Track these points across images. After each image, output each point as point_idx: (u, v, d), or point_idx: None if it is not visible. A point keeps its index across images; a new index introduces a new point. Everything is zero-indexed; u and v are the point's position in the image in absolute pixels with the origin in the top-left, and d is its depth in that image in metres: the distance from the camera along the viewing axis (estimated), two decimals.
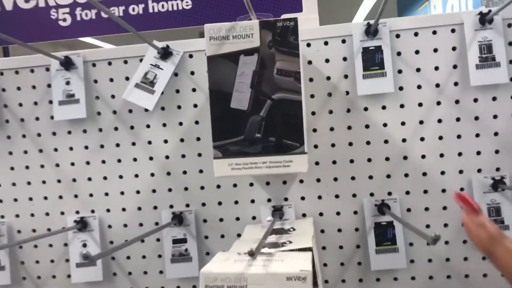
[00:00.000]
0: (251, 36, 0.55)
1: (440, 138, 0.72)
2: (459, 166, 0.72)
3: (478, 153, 0.71)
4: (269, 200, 0.76)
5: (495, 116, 0.71)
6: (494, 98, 0.70)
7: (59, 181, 0.78)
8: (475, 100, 0.71)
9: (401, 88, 0.72)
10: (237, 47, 0.55)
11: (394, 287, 0.74)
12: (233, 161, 0.53)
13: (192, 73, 0.75)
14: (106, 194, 0.78)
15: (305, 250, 0.53)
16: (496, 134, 0.71)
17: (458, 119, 0.71)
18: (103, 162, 0.78)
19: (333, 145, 0.74)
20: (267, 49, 0.55)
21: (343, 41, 0.72)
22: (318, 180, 0.74)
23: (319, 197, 0.75)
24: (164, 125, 0.77)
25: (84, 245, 0.78)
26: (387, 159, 0.73)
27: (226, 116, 0.54)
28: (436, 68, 0.71)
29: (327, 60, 0.73)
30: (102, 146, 0.78)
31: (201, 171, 0.76)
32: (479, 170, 0.71)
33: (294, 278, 0.44)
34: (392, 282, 0.74)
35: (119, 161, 0.78)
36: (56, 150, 0.78)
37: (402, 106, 0.72)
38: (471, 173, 0.71)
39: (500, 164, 0.71)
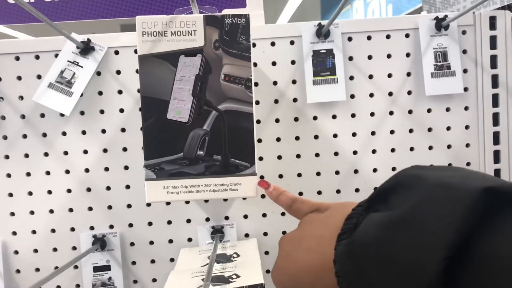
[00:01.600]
0: (193, 33, 0.51)
1: (392, 150, 0.74)
2: None
3: None
4: (207, 219, 0.74)
5: (448, 128, 0.74)
6: (447, 109, 0.74)
7: None
8: (429, 111, 0.74)
9: (352, 96, 0.73)
10: (177, 46, 0.51)
11: None
12: (170, 183, 0.49)
13: (118, 72, 0.72)
14: (12, 214, 0.72)
15: (256, 287, 0.52)
16: (449, 146, 0.75)
17: (411, 130, 0.74)
18: (8, 175, 0.72)
19: (279, 157, 0.74)
20: (212, 50, 0.51)
21: (292, 43, 0.72)
22: (263, 196, 0.74)
23: (264, 215, 0.74)
24: (84, 132, 0.72)
25: None
26: (337, 172, 0.74)
27: (162, 129, 0.49)
28: (389, 75, 0.73)
29: (273, 63, 0.72)
30: (7, 157, 0.72)
31: (127, 186, 0.73)
32: None
33: None
34: None
35: (28, 174, 0.72)
36: None
37: (353, 115, 0.74)
38: None
39: None
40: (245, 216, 0.74)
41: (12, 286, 0.72)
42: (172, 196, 0.50)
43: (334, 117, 0.73)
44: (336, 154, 0.73)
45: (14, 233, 0.72)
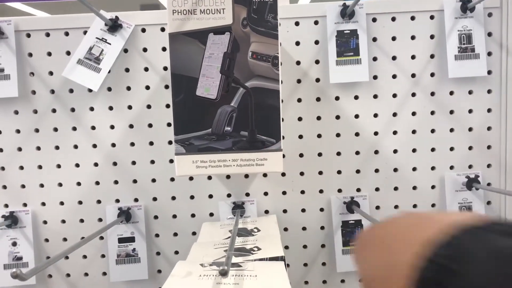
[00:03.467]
0: (222, 11, 0.53)
1: (414, 132, 0.76)
2: (432, 162, 0.77)
3: (452, 149, 0.77)
4: (228, 195, 0.78)
5: (470, 111, 0.76)
6: (470, 92, 0.76)
7: None
8: (451, 93, 0.76)
9: (375, 77, 0.75)
10: (206, 24, 0.53)
11: None
12: (198, 158, 0.53)
13: (145, 50, 0.75)
14: (41, 185, 0.77)
15: (277, 259, 0.54)
16: (470, 129, 0.76)
17: (432, 112, 0.76)
18: (38, 148, 0.76)
19: (300, 136, 0.77)
20: (240, 28, 0.53)
21: (316, 23, 0.74)
22: (283, 174, 0.77)
23: (284, 193, 0.78)
24: (111, 108, 0.76)
25: (14, 244, 0.76)
26: (357, 153, 0.77)
27: (191, 106, 0.52)
28: (413, 57, 0.75)
29: (297, 43, 0.75)
30: (37, 130, 0.76)
31: (152, 161, 0.77)
32: (451, 167, 0.77)
33: None
34: (357, 284, 0.79)
35: (57, 148, 0.76)
36: None
37: (375, 96, 0.76)
38: (444, 170, 0.77)
39: (472, 161, 0.77)
40: (265, 193, 0.77)
41: (41, 254, 0.77)
42: (201, 170, 0.53)
43: (356, 97, 0.75)
44: (357, 134, 0.76)
45: (43, 204, 0.76)
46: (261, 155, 0.54)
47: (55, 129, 0.75)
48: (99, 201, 0.77)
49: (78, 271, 0.78)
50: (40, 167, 0.76)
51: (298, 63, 0.75)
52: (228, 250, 0.52)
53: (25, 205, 0.76)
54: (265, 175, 0.77)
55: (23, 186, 0.76)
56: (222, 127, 0.53)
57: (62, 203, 0.77)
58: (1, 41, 0.73)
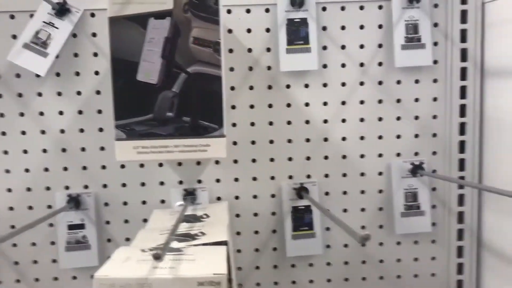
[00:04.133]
0: None
1: (362, 120, 0.78)
2: (379, 150, 0.79)
3: (398, 136, 0.79)
4: (180, 182, 0.78)
5: (416, 100, 0.78)
6: (417, 81, 0.78)
7: None
8: (398, 82, 0.78)
9: (325, 66, 0.77)
10: (146, 9, 0.53)
11: (309, 273, 0.81)
12: (139, 144, 0.53)
13: (94, 35, 0.74)
14: None
15: (220, 244, 0.54)
16: (416, 118, 0.79)
17: (380, 101, 0.78)
18: None
19: (252, 124, 0.77)
20: (182, 13, 0.54)
21: (267, 10, 0.75)
22: (235, 161, 0.78)
23: (236, 180, 0.78)
24: (59, 94, 0.75)
25: None
26: (307, 140, 0.78)
27: (132, 90, 0.52)
28: (361, 46, 0.77)
29: (249, 30, 0.75)
30: None
31: (102, 148, 0.76)
32: (398, 154, 0.79)
33: (207, 283, 0.44)
34: (307, 268, 0.81)
35: (3, 133, 0.74)
36: None
37: (325, 85, 0.77)
38: (391, 157, 0.79)
39: (419, 149, 0.79)
40: (218, 180, 0.78)
41: None
42: (142, 156, 0.53)
43: (306, 86, 0.76)
44: (307, 122, 0.77)
45: None
46: (204, 141, 0.54)
47: (2, 115, 0.74)
48: (48, 188, 0.76)
49: (27, 258, 0.77)
50: None
51: (249, 50, 0.75)
52: (169, 235, 0.53)
53: None
54: (217, 162, 0.77)
55: None
56: (164, 112, 0.53)
57: (9, 190, 0.76)
58: None
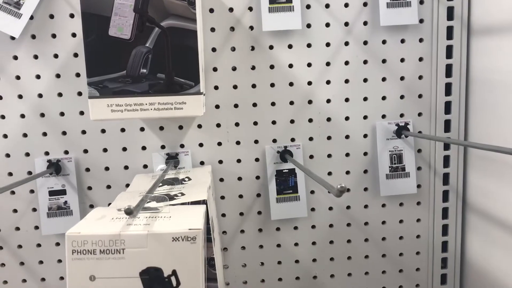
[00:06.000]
0: None
1: (346, 81, 0.76)
2: (364, 111, 0.77)
3: (384, 98, 0.77)
4: (163, 147, 0.76)
5: (402, 60, 0.76)
6: (402, 41, 0.76)
7: None
8: (384, 42, 0.76)
9: (308, 26, 0.74)
10: None
11: (294, 236, 0.80)
12: (113, 101, 0.51)
13: None
14: None
15: (199, 203, 0.54)
16: (402, 78, 0.77)
17: (365, 62, 0.76)
18: None
19: (235, 86, 0.75)
20: None
21: None
22: (218, 125, 0.76)
23: (219, 144, 0.77)
24: (36, 57, 0.72)
25: None
26: (291, 103, 0.77)
27: (104, 46, 0.49)
28: (346, 5, 0.74)
29: None
30: None
31: (81, 112, 0.74)
32: (383, 116, 0.78)
33: (182, 238, 0.43)
34: (292, 231, 0.80)
35: None
36: None
37: (309, 45, 0.75)
38: (375, 119, 0.77)
39: (404, 110, 0.78)
40: (201, 145, 0.76)
41: None
42: (116, 114, 0.51)
43: (290, 46, 0.74)
44: (291, 84, 0.75)
45: None
46: (180, 99, 0.52)
47: None
48: (27, 154, 0.74)
49: (8, 225, 0.76)
50: None
51: (231, 10, 0.73)
52: (146, 193, 0.52)
53: None
54: (199, 126, 0.76)
55: None
56: (138, 69, 0.51)
57: None
58: None
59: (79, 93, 0.73)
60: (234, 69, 0.74)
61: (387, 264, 0.82)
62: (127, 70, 0.51)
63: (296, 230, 0.80)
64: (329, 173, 0.78)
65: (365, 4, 0.74)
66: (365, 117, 0.77)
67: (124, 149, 0.75)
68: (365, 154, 0.78)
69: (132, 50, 0.51)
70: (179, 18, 0.51)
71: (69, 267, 0.43)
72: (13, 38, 0.71)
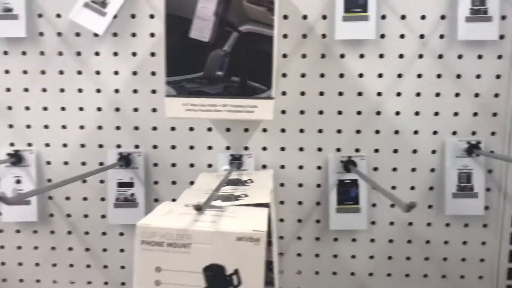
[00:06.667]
0: None
1: (418, 94, 0.74)
2: (434, 127, 0.75)
3: (456, 114, 0.74)
4: (227, 148, 0.78)
5: (478, 76, 0.73)
6: (479, 56, 0.73)
7: None
8: (460, 57, 0.73)
9: (382, 36, 0.73)
10: None
11: (351, 248, 0.79)
12: (189, 101, 0.53)
13: None
14: (46, 126, 0.78)
15: (262, 206, 0.53)
16: (477, 95, 0.74)
17: (439, 76, 0.74)
18: (44, 90, 0.77)
19: (302, 93, 0.75)
20: None
21: None
22: (283, 130, 0.77)
23: (282, 149, 0.77)
24: (116, 54, 0.76)
25: (18, 182, 0.78)
26: (358, 113, 0.76)
27: (184, 48, 0.51)
28: (423, 17, 0.72)
29: None
30: (43, 72, 0.76)
31: (154, 109, 0.77)
32: (454, 133, 0.75)
33: (246, 238, 0.43)
34: (350, 243, 0.79)
35: (62, 90, 0.77)
36: None
37: (381, 56, 0.74)
38: (446, 135, 0.75)
39: (476, 128, 0.75)
40: (264, 148, 0.77)
41: (44, 194, 0.79)
42: (190, 113, 0.53)
43: (361, 56, 0.73)
44: (360, 94, 0.74)
45: (47, 145, 0.78)
46: (252, 102, 0.53)
47: (61, 72, 0.76)
48: (100, 146, 0.78)
49: (78, 212, 0.80)
50: (45, 108, 0.77)
51: (304, 17, 0.73)
52: (212, 191, 0.53)
53: (29, 144, 0.78)
54: (265, 130, 0.76)
55: (28, 126, 0.78)
56: (214, 71, 0.52)
57: (65, 145, 0.78)
58: None
59: (153, 91, 0.76)
60: (303, 75, 0.74)
61: (447, 286, 0.78)
62: (204, 71, 0.52)
63: (354, 242, 0.78)
64: (393, 187, 0.76)
65: (442, 17, 0.72)
66: (434, 132, 0.74)
67: (191, 147, 0.77)
68: (432, 170, 0.75)
69: (210, 52, 0.52)
70: (257, 23, 0.52)
71: (137, 257, 0.44)
72: (96, 35, 0.74)
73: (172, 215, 0.48)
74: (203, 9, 0.51)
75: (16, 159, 0.77)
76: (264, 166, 0.77)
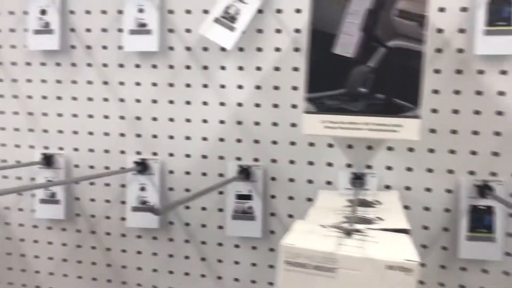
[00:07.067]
0: None
1: None
2: None
3: None
4: (348, 166, 0.75)
5: None
6: None
7: (122, 117, 0.82)
8: None
9: None
10: None
11: (482, 280, 0.72)
12: (328, 118, 0.51)
13: (279, 11, 0.74)
14: (171, 137, 0.80)
15: (401, 231, 0.50)
16: None
17: None
18: (171, 102, 0.79)
19: (434, 110, 0.70)
20: None
21: None
22: (411, 149, 0.72)
23: (409, 169, 0.73)
24: (241, 68, 0.77)
25: (142, 189, 0.81)
26: (497, 133, 0.69)
27: (327, 63, 0.50)
28: None
29: (441, 9, 0.68)
30: (171, 85, 0.79)
31: (275, 124, 0.76)
32: None
33: (397, 268, 0.41)
34: (480, 274, 0.72)
35: (187, 103, 0.79)
36: (122, 83, 0.81)
37: None
38: None
39: None
40: (389, 168, 0.73)
41: (165, 201, 0.81)
42: (329, 131, 0.51)
43: (503, 72, 0.68)
44: (499, 113, 0.68)
45: (171, 155, 0.80)
46: (396, 121, 0.50)
47: (188, 85, 0.78)
48: (221, 157, 0.79)
49: (196, 221, 0.81)
50: (171, 119, 0.79)
51: (439, 31, 0.69)
52: (351, 214, 0.50)
53: (155, 154, 0.81)
54: (390, 148, 0.73)
55: (154, 136, 0.80)
56: (357, 87, 0.50)
57: (188, 156, 0.80)
58: None
59: (275, 105, 0.75)
60: (435, 92, 0.70)
61: None
62: (346, 88, 0.50)
63: (485, 274, 0.72)
64: None
65: None
66: None
67: (311, 163, 0.76)
68: None
69: (353, 68, 0.50)
70: (406, 38, 0.49)
71: (281, 277, 0.43)
72: (223, 49, 0.76)
73: (314, 236, 0.46)
74: (350, 24, 0.49)
75: (142, 167, 0.80)
76: (387, 187, 0.74)
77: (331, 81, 0.51)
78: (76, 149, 0.84)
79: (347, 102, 0.51)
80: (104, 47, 0.80)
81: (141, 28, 0.77)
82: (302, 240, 0.45)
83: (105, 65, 0.80)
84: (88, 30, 0.80)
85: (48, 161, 0.83)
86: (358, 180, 0.73)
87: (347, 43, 0.50)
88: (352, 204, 0.54)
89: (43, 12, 0.80)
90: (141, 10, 0.76)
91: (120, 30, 0.79)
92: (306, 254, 0.43)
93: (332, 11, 0.50)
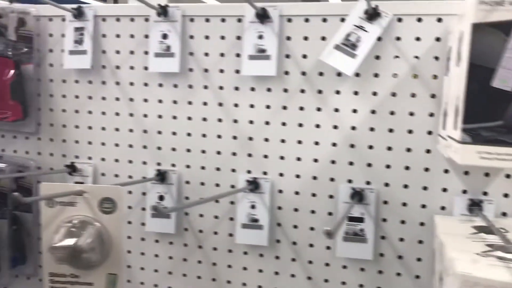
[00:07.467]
0: None
1: None
2: None
3: None
4: (464, 192, 0.75)
5: None
6: None
7: (234, 137, 0.85)
8: None
9: None
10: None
11: None
12: (484, 149, 0.52)
13: (398, 38, 0.75)
14: (282, 157, 0.82)
15: None
16: None
17: None
18: (283, 124, 0.82)
19: None
20: None
21: None
22: None
23: None
24: (356, 93, 0.78)
25: (253, 207, 0.83)
26: None
27: (484, 96, 0.51)
28: None
29: None
30: (284, 108, 0.81)
31: (389, 148, 0.77)
32: None
33: None
34: None
35: (300, 125, 0.81)
36: (236, 105, 0.83)
37: None
38: None
39: None
40: (506, 195, 0.73)
41: (273, 219, 0.83)
42: (485, 162, 0.52)
43: None
44: None
45: (281, 175, 0.82)
46: None
47: (301, 108, 0.80)
48: (332, 179, 0.80)
49: (304, 241, 0.82)
50: (283, 141, 0.82)
51: None
52: (502, 242, 0.51)
53: (265, 173, 0.83)
54: (508, 176, 0.73)
55: (265, 156, 0.83)
56: None
57: (298, 176, 0.82)
58: (266, 25, 0.79)
59: (390, 130, 0.77)
60: None
61: None
62: (504, 120, 0.51)
63: None
64: None
65: None
66: None
67: (425, 188, 0.76)
68: None
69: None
70: None
71: None
72: (339, 74, 0.78)
73: (482, 264, 0.47)
74: (509, 59, 0.50)
75: (254, 186, 0.82)
76: (504, 214, 0.74)
77: (488, 113, 0.52)
78: (188, 166, 0.87)
79: (504, 134, 0.52)
80: (221, 71, 0.83)
81: (260, 54, 0.80)
82: (476, 269, 0.46)
83: (221, 87, 0.84)
84: (206, 54, 0.84)
85: (162, 177, 0.86)
86: (475, 206, 0.74)
87: (506, 77, 0.51)
88: (497, 232, 0.54)
89: (164, 36, 0.84)
90: (260, 37, 0.80)
91: (237, 55, 0.82)
92: (484, 283, 0.44)
93: (491, 46, 0.51)
